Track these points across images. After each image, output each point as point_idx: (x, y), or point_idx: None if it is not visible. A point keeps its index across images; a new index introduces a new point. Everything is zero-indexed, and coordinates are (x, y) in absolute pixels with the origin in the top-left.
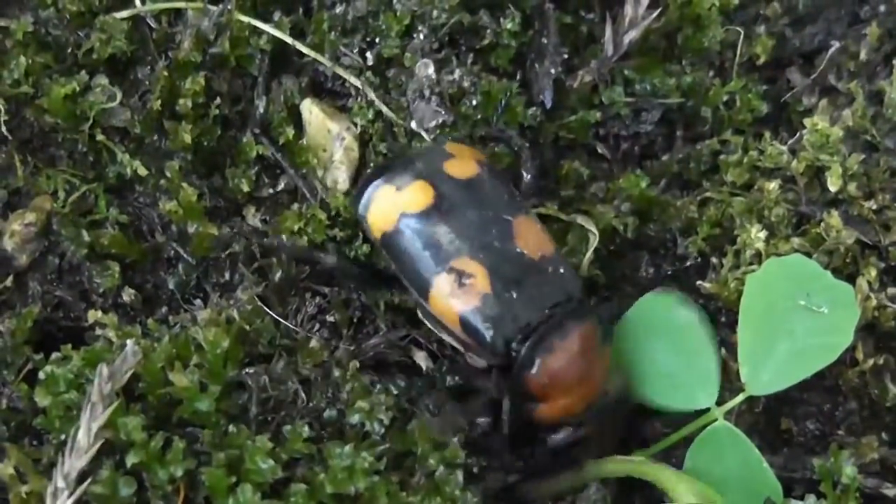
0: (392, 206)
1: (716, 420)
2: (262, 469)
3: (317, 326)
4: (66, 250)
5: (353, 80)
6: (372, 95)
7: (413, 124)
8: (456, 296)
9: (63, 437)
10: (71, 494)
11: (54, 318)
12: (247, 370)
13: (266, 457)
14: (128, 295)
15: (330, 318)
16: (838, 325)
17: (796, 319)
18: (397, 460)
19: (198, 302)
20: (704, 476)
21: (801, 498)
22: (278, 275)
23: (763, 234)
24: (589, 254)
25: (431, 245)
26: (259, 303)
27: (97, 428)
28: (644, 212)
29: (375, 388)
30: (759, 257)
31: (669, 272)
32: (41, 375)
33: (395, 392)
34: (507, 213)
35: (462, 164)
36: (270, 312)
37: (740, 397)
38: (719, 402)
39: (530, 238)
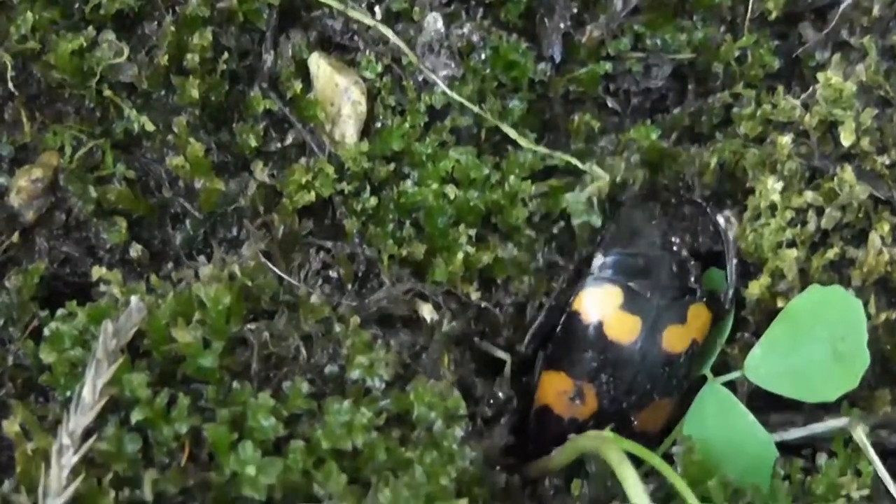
0: None
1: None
2: (265, 427)
3: (320, 282)
4: (72, 206)
5: (366, 20)
6: (385, 45)
7: (422, 78)
8: None
9: (68, 394)
10: (76, 452)
11: (61, 275)
12: (249, 326)
13: (268, 414)
14: (135, 251)
15: (334, 274)
16: (849, 372)
17: (819, 349)
18: (399, 416)
19: (202, 258)
20: (700, 441)
21: (813, 457)
22: (282, 230)
23: (779, 186)
24: (592, 188)
25: None
26: (262, 258)
27: (102, 385)
28: (655, 163)
29: (377, 343)
30: (773, 209)
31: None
32: (46, 332)
33: (397, 348)
34: None
35: None
36: (273, 268)
37: (737, 374)
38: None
39: None
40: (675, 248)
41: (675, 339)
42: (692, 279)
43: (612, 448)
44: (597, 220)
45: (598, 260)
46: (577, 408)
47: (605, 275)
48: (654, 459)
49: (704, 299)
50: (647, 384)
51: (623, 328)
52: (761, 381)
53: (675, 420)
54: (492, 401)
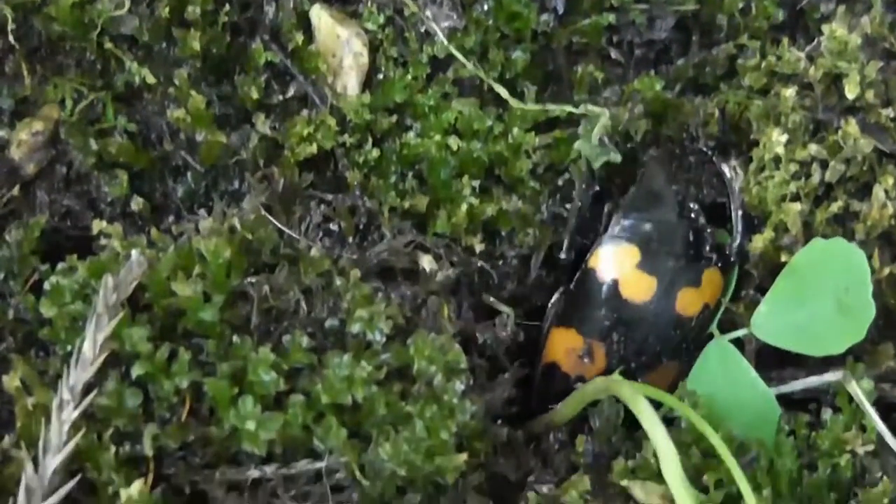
0: None
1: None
2: (265, 381)
3: (321, 235)
4: (73, 159)
5: None
6: None
7: (424, 29)
8: None
9: (69, 348)
10: (76, 407)
11: (62, 228)
12: (249, 280)
13: (268, 369)
14: (136, 204)
15: (334, 227)
16: (855, 325)
17: (824, 303)
18: (399, 370)
19: (203, 211)
20: (705, 397)
21: (817, 412)
22: (282, 183)
23: (783, 139)
24: (600, 127)
25: None
26: (263, 211)
27: (103, 339)
28: (659, 114)
29: (377, 296)
30: (777, 162)
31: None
32: (46, 286)
33: (398, 301)
34: None
35: None
36: (274, 221)
37: (743, 331)
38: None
39: None
40: (693, 216)
41: (688, 302)
42: (708, 247)
43: (624, 385)
44: (617, 157)
45: (617, 221)
46: (585, 366)
47: (622, 234)
48: (667, 398)
49: (719, 265)
50: (656, 346)
51: (638, 287)
52: (768, 338)
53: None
54: (495, 344)
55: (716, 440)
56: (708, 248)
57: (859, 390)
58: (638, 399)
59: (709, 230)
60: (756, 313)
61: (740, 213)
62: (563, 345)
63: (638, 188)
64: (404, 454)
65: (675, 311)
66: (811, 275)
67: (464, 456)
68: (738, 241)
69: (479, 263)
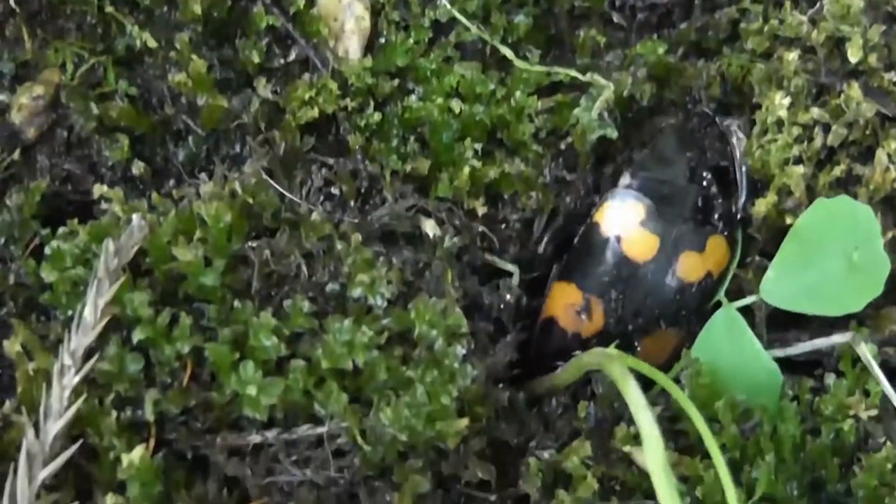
0: None
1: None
2: (266, 346)
3: (322, 199)
4: (74, 123)
5: None
6: None
7: None
8: None
9: (70, 313)
10: (77, 372)
11: (63, 193)
12: (250, 244)
13: (269, 334)
14: (137, 168)
15: (336, 191)
16: (870, 281)
17: (833, 263)
18: (401, 334)
19: (203, 176)
20: (709, 364)
21: (821, 377)
22: (283, 147)
23: (786, 102)
24: (601, 102)
25: None
26: (264, 175)
27: (104, 304)
28: (662, 78)
29: (379, 261)
30: (780, 126)
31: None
32: (47, 251)
33: (400, 265)
34: None
35: None
36: (275, 185)
37: (752, 298)
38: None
39: None
40: (705, 183)
41: (690, 267)
42: (717, 216)
43: (615, 363)
44: (613, 133)
45: (626, 178)
46: (582, 323)
47: (630, 191)
48: (659, 376)
49: (726, 233)
50: (655, 309)
51: (641, 246)
52: (779, 303)
53: (679, 355)
54: (501, 306)
55: (700, 423)
56: (716, 216)
57: (868, 352)
58: (626, 379)
59: (719, 199)
60: (765, 279)
61: (744, 176)
62: (563, 299)
63: (652, 149)
64: (405, 419)
65: (677, 274)
66: (818, 235)
67: (465, 421)
68: (742, 199)
69: (483, 224)
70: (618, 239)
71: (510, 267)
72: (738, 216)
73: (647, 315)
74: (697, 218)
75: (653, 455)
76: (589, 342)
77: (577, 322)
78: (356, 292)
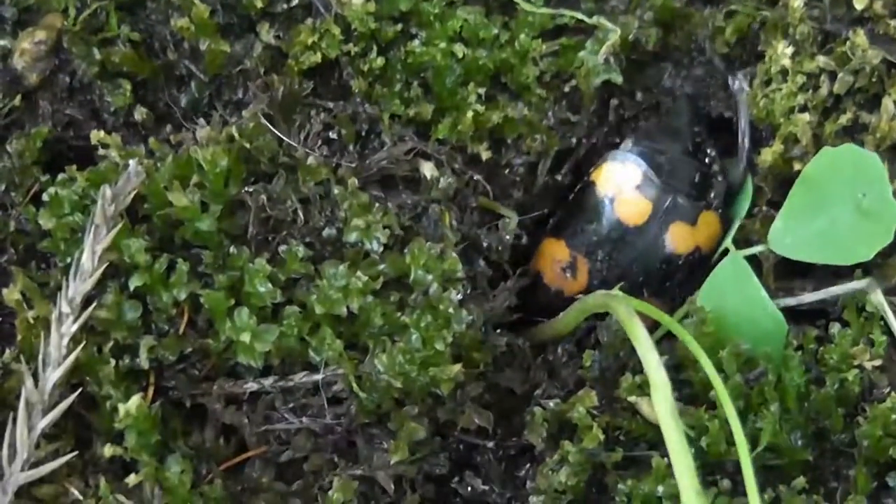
0: None
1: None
2: (261, 292)
3: (321, 143)
4: (76, 68)
5: None
6: None
7: None
8: None
9: (69, 260)
10: (76, 319)
11: (64, 138)
12: (247, 189)
13: (265, 279)
14: (139, 114)
15: (335, 136)
16: (880, 227)
17: (842, 210)
18: (397, 279)
19: (201, 120)
20: (714, 312)
21: (826, 327)
22: (281, 91)
23: (790, 51)
24: (607, 46)
25: None
26: (262, 120)
27: (101, 251)
28: (667, 23)
29: (375, 205)
30: (785, 74)
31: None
32: (45, 197)
33: (396, 210)
34: None
35: None
36: (272, 129)
37: (760, 247)
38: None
39: None
40: (706, 160)
41: (680, 238)
42: (712, 194)
43: (621, 304)
44: (618, 77)
45: (628, 143)
46: (566, 281)
47: (630, 154)
48: (665, 318)
49: (719, 211)
50: (640, 275)
51: (633, 209)
52: (788, 252)
53: (657, 326)
54: (499, 248)
55: (709, 367)
56: (712, 194)
57: (883, 300)
58: (633, 321)
59: (719, 178)
60: (773, 228)
61: (747, 126)
62: (550, 255)
63: (659, 119)
64: (399, 365)
65: (665, 243)
66: (825, 183)
67: (458, 366)
68: (745, 150)
69: (486, 168)
70: (611, 200)
71: (507, 212)
72: (742, 165)
73: (631, 280)
74: (693, 192)
75: (661, 400)
76: (570, 301)
77: (562, 279)
78: (352, 237)
